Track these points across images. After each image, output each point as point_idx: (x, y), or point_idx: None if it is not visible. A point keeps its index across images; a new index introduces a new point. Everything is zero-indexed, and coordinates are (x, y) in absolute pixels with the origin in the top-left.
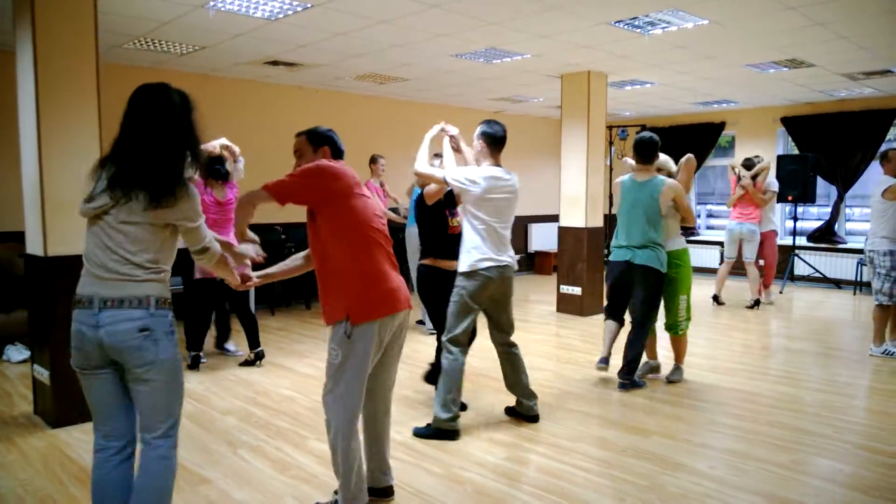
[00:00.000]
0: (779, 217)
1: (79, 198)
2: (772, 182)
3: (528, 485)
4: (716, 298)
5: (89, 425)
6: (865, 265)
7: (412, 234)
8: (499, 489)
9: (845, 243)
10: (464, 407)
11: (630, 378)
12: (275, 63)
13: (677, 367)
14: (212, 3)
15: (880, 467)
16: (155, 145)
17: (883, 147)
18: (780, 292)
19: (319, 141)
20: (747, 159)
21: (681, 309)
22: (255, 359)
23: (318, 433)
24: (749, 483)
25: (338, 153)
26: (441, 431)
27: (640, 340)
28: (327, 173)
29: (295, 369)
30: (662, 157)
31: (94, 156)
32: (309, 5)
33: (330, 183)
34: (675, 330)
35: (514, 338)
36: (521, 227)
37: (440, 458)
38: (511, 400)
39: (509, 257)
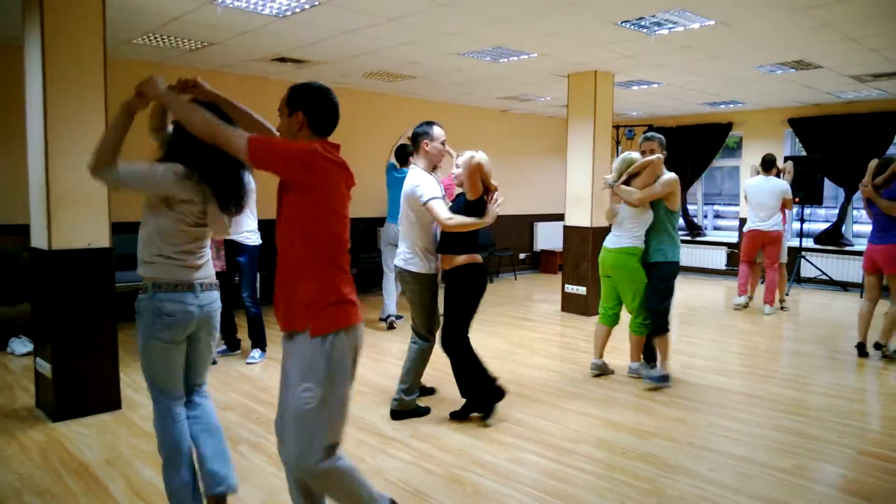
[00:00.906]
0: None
1: (84, 192)
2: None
3: (528, 486)
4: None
5: (90, 419)
6: None
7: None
8: (497, 490)
9: (852, 246)
10: (432, 391)
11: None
12: (282, 60)
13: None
14: (220, 0)
15: (884, 473)
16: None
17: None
18: (787, 294)
19: (295, 103)
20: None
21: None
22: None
23: None
24: (750, 488)
25: (319, 125)
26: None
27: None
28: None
29: None
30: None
31: None
32: (316, 3)
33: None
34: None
35: (518, 336)
36: (527, 226)
37: (440, 457)
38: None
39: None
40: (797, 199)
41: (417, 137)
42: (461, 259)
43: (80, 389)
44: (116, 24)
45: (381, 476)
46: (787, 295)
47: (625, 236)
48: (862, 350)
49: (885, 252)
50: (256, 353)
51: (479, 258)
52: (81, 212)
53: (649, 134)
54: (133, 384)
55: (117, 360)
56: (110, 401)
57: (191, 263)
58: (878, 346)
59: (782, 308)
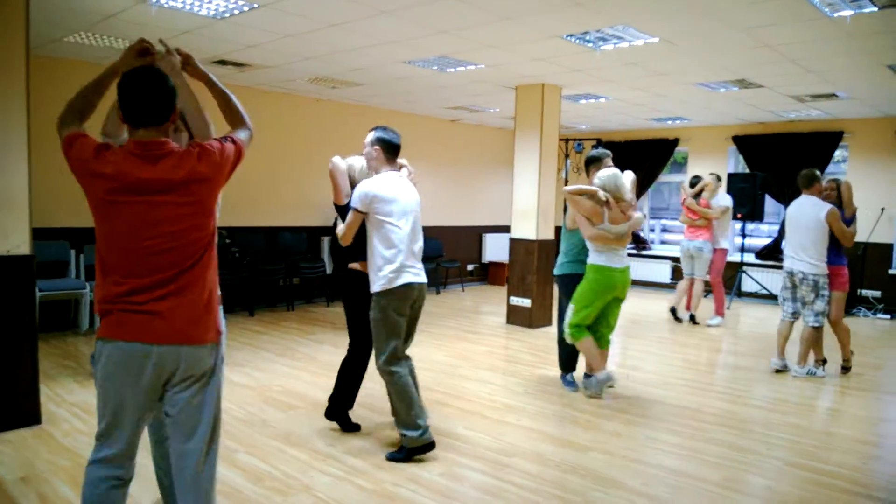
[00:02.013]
0: (729, 234)
1: (3, 197)
2: (722, 198)
3: (460, 501)
4: (673, 311)
5: (7, 434)
6: (795, 287)
7: None
8: None
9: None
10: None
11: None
12: (223, 63)
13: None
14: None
15: (809, 484)
16: None
17: (830, 168)
18: (727, 307)
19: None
20: (695, 177)
21: (566, 316)
22: None
23: (248, 446)
24: (679, 500)
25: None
26: (417, 449)
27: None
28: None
29: (229, 378)
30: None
31: (21, 151)
32: (255, 5)
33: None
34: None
35: (462, 349)
36: (475, 237)
37: (372, 473)
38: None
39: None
40: (739, 215)
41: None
42: (354, 265)
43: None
44: (45, 21)
45: (310, 493)
46: (728, 308)
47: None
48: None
49: (844, 273)
50: None
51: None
52: (7, 214)
53: (599, 152)
54: (55, 398)
55: (37, 372)
56: (29, 415)
57: None
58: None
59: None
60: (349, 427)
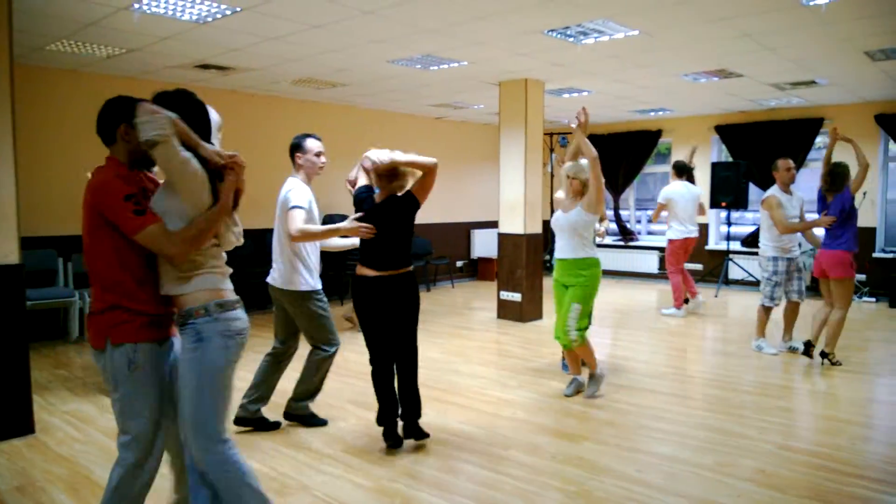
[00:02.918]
0: (714, 223)
1: None
2: (672, 187)
3: (458, 494)
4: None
5: (0, 445)
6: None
7: None
8: (428, 500)
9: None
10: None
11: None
12: (206, 66)
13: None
14: (136, 6)
15: (800, 466)
16: None
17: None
18: (715, 296)
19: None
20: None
21: (570, 318)
22: None
23: (244, 447)
24: (674, 486)
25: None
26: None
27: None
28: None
29: None
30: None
31: (8, 160)
32: (238, 9)
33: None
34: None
35: (455, 345)
36: (464, 233)
37: (369, 470)
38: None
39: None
40: (724, 203)
41: (291, 150)
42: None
43: None
44: (27, 30)
45: (309, 492)
46: (713, 297)
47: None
48: (808, 349)
49: (830, 257)
50: None
51: (366, 270)
52: None
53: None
54: (48, 407)
55: (29, 381)
56: (22, 425)
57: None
58: (823, 354)
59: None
60: (393, 440)
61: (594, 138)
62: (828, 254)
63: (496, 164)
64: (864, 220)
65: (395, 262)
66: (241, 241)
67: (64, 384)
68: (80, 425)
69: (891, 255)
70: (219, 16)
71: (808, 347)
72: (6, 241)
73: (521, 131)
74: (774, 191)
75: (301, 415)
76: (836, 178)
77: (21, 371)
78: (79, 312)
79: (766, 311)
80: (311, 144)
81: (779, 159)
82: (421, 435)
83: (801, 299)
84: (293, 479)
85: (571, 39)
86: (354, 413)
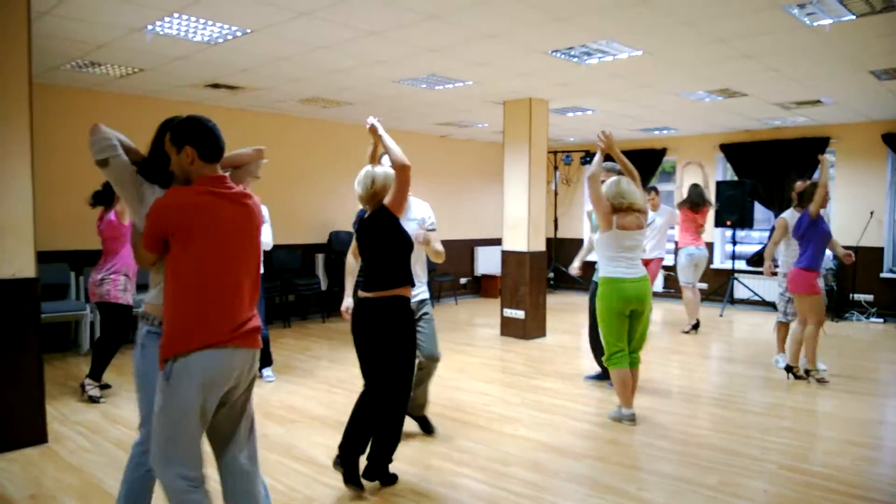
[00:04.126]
0: (719, 242)
1: (9, 221)
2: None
3: None
4: (696, 327)
5: (14, 454)
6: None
7: None
8: None
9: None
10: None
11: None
12: (216, 86)
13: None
14: (150, 27)
15: (802, 486)
16: None
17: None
18: (721, 315)
19: (181, 140)
20: (694, 185)
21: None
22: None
23: None
24: None
25: (209, 154)
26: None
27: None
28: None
29: None
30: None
31: (26, 177)
32: (248, 31)
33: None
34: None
35: (458, 362)
36: (467, 250)
37: (374, 484)
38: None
39: None
40: (729, 223)
41: None
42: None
43: (4, 423)
44: (43, 51)
45: None
46: (719, 315)
47: (640, 263)
48: (790, 372)
49: (791, 274)
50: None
51: (369, 294)
52: (5, 241)
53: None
54: (60, 417)
55: (43, 392)
56: (36, 434)
57: None
58: (807, 372)
59: (695, 327)
60: (352, 479)
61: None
62: (791, 271)
63: (500, 182)
64: (870, 241)
65: (383, 282)
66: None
67: (74, 395)
68: (90, 436)
69: None
70: (230, 37)
71: (789, 371)
72: (23, 255)
73: (525, 149)
74: (787, 213)
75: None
76: (803, 196)
77: (35, 381)
78: (89, 326)
79: (782, 326)
80: None
81: (797, 181)
82: (388, 479)
83: None
84: (299, 493)
85: (576, 60)
86: None
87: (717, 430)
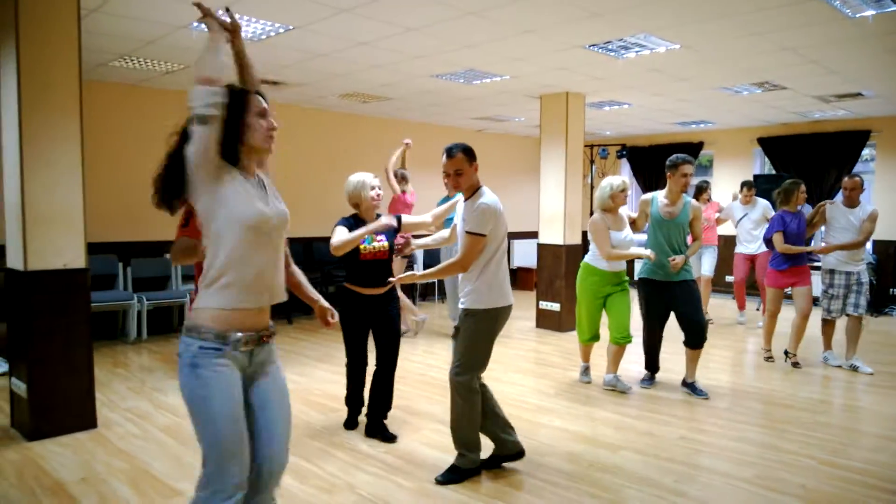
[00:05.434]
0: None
1: (60, 213)
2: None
3: (495, 498)
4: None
5: (65, 438)
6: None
7: None
8: (466, 503)
9: (818, 260)
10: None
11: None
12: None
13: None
14: (195, 24)
15: (840, 482)
16: None
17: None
18: (757, 309)
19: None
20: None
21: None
22: None
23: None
24: (711, 497)
25: None
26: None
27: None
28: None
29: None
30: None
31: (76, 171)
32: (290, 27)
33: None
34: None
35: (494, 353)
36: None
37: (412, 472)
38: None
39: None
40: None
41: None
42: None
43: (56, 409)
44: (91, 47)
45: (354, 491)
46: (758, 309)
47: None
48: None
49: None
50: None
51: (359, 288)
52: (57, 232)
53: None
54: (109, 403)
55: (93, 379)
56: (86, 420)
57: None
58: (786, 353)
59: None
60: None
61: (636, 150)
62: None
63: (536, 176)
64: (891, 234)
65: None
66: None
67: (123, 382)
68: (139, 422)
69: None
70: (272, 34)
71: (787, 356)
72: (74, 246)
73: (562, 143)
74: (829, 204)
75: None
76: (786, 194)
77: (86, 368)
78: (136, 315)
79: (826, 323)
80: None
81: (845, 178)
82: (387, 436)
83: (859, 313)
84: (339, 479)
85: (613, 54)
86: (399, 418)
87: (754, 425)
